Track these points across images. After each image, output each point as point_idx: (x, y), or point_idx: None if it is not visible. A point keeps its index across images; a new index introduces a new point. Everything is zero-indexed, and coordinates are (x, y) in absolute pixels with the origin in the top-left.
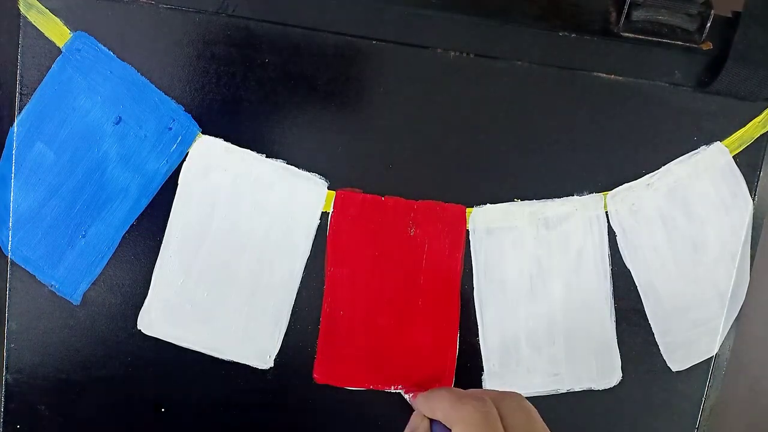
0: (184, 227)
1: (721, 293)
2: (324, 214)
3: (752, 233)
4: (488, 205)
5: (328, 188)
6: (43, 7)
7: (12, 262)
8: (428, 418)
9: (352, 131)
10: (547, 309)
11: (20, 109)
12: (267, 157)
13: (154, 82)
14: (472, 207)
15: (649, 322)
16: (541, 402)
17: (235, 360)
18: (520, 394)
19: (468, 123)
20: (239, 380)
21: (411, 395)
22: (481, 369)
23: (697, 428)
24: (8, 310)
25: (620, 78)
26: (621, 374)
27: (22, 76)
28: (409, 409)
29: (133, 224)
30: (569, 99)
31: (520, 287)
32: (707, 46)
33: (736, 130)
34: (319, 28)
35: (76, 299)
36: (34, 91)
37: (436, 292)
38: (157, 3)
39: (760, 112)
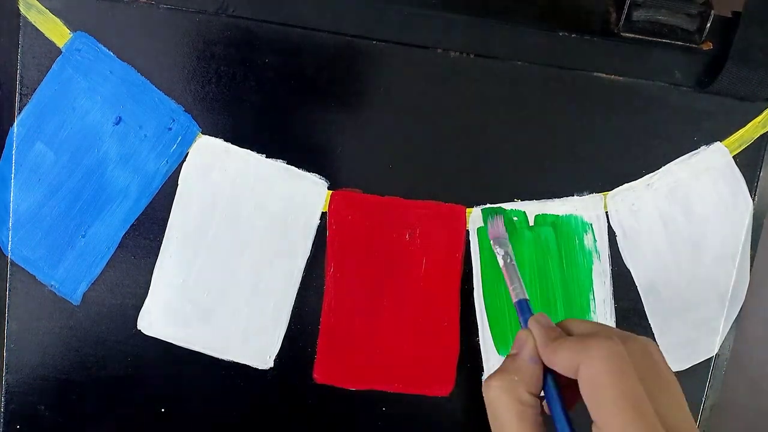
0: (184, 227)
1: (721, 293)
2: (324, 214)
3: (752, 233)
4: (488, 205)
5: (328, 188)
6: (43, 7)
7: (12, 262)
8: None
9: (352, 131)
10: (546, 309)
11: (20, 109)
12: (267, 157)
13: (154, 82)
14: (472, 207)
15: (649, 322)
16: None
17: (235, 360)
18: (648, 339)
19: (468, 123)
20: (239, 380)
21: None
22: (481, 369)
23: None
24: (8, 310)
25: (620, 78)
26: None
27: (22, 76)
28: (408, 411)
29: (133, 224)
30: (569, 99)
31: None
32: (707, 46)
33: (736, 130)
34: (319, 28)
35: (76, 299)
36: (34, 91)
37: (436, 292)
38: (157, 3)
39: (760, 112)
